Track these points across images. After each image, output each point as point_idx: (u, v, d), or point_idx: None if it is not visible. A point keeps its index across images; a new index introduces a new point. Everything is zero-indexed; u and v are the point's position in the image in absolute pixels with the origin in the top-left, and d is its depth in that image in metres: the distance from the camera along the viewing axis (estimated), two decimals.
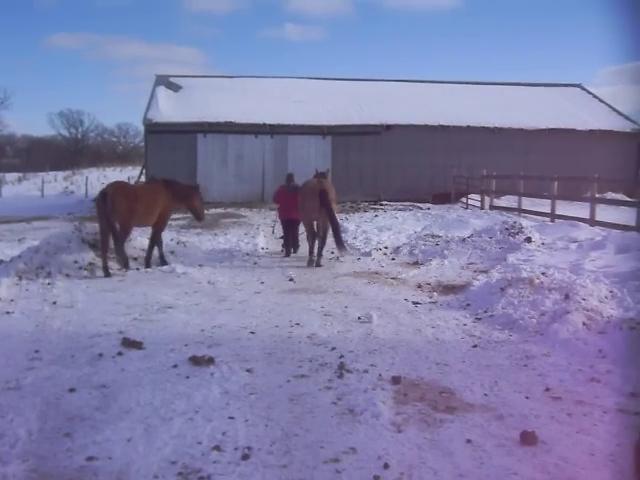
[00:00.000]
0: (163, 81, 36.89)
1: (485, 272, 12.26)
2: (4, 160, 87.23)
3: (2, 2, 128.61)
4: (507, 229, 15.21)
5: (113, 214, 12.76)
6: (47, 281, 11.71)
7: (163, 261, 13.74)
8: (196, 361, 6.74)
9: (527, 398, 5.89)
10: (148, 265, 13.43)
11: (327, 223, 14.33)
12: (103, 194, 12.94)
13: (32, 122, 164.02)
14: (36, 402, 5.70)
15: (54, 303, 9.95)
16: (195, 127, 32.54)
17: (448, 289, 11.19)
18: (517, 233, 14.93)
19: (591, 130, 34.61)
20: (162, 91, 35.29)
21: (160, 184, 14.41)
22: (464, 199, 30.46)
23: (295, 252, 15.79)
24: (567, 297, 8.76)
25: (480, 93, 38.27)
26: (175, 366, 6.68)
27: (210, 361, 6.75)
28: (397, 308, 9.63)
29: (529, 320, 8.41)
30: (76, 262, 12.65)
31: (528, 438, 4.89)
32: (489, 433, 5.11)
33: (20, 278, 11.84)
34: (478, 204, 28.33)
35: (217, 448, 4.77)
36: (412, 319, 8.96)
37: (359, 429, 5.16)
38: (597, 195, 21.23)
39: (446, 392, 6.06)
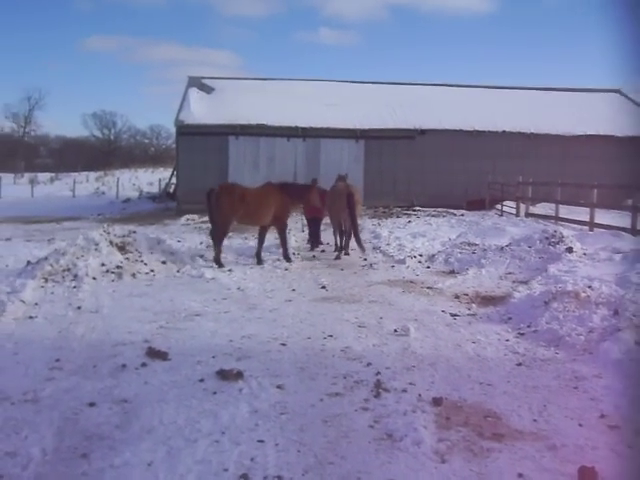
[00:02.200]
0: (195, 83, 36.67)
1: (525, 283, 11.79)
2: (37, 160, 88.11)
3: (39, 4, 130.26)
4: (547, 238, 14.64)
5: (216, 211, 13.98)
6: (73, 284, 11.41)
7: (286, 257, 14.73)
8: (224, 375, 6.36)
9: (581, 426, 5.41)
10: (287, 258, 14.66)
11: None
12: (210, 192, 14.13)
13: (66, 123, 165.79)
14: (53, 417, 5.37)
15: (79, 308, 9.64)
16: (227, 129, 32.23)
17: (487, 300, 10.72)
18: (557, 243, 14.37)
19: (630, 137, 33.73)
20: (194, 93, 35.06)
21: (273, 186, 15.28)
22: (499, 206, 29.79)
23: (317, 247, 17.33)
24: (616, 313, 8.26)
25: (516, 98, 37.55)
26: (202, 380, 6.31)
27: (239, 375, 6.37)
28: (434, 320, 9.19)
29: (576, 337, 7.91)
30: (103, 265, 12.37)
31: (587, 474, 4.42)
32: (542, 467, 4.65)
33: (46, 280, 11.56)
34: (513, 211, 27.67)
35: (244, 477, 4.38)
36: (451, 333, 8.51)
37: (399, 458, 4.73)
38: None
39: (492, 416, 5.61)
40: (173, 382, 6.27)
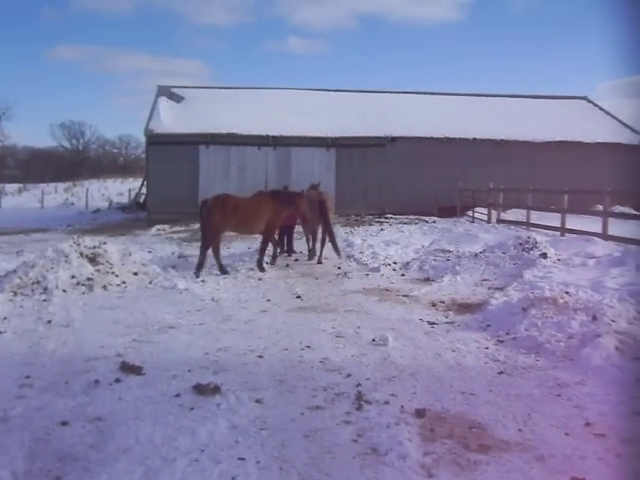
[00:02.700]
0: (165, 92, 36.40)
1: (501, 289, 11.75)
2: (5, 171, 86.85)
3: (5, 14, 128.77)
4: (521, 244, 14.63)
5: (207, 222, 14.27)
6: (43, 297, 11.14)
7: (260, 266, 14.61)
8: (201, 390, 6.17)
9: (567, 435, 5.32)
10: (261, 267, 14.54)
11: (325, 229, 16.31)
12: (203, 203, 14.46)
13: (33, 133, 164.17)
14: (24, 438, 5.14)
15: (49, 322, 9.39)
16: (197, 138, 32.00)
17: (464, 308, 10.64)
18: (531, 248, 14.37)
19: (598, 143, 34.08)
20: (164, 102, 34.78)
21: (265, 195, 15.77)
22: (470, 212, 29.87)
23: (290, 255, 17.41)
24: (595, 318, 8.24)
25: (486, 105, 37.78)
26: (178, 395, 6.11)
27: (216, 390, 6.18)
28: (412, 329, 9.08)
29: (556, 344, 7.84)
30: (74, 277, 12.09)
31: None
32: (531, 479, 4.54)
33: (15, 294, 11.29)
34: (485, 217, 27.73)
35: None
36: (430, 341, 8.40)
37: (385, 473, 4.59)
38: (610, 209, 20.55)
39: (476, 427, 5.49)
40: (148, 398, 6.07)
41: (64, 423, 5.45)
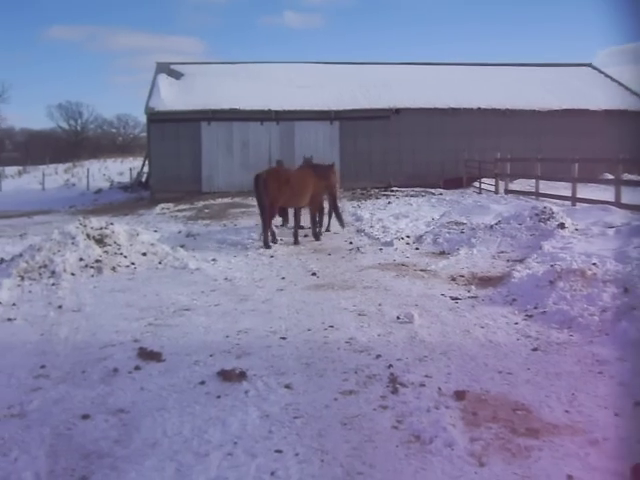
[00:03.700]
0: (164, 69, 35.87)
1: (520, 262, 11.41)
2: (3, 154, 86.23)
3: None
4: (537, 215, 14.26)
5: (264, 195, 14.44)
6: (51, 281, 10.83)
7: (316, 235, 15.68)
8: (226, 376, 5.87)
9: (617, 415, 5.02)
10: (317, 237, 15.61)
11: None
12: (257, 177, 14.71)
13: (31, 115, 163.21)
14: (44, 434, 4.84)
15: (60, 307, 9.07)
16: (199, 115, 31.51)
17: (485, 281, 10.32)
18: (548, 219, 14.01)
19: (604, 110, 33.57)
20: (163, 79, 34.27)
21: (309, 168, 16.18)
22: (477, 183, 29.51)
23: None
24: (626, 290, 7.91)
25: (490, 75, 37.20)
26: (202, 383, 5.81)
27: (242, 376, 5.88)
28: (436, 305, 8.76)
29: (589, 317, 7.52)
30: (82, 260, 11.77)
31: None
32: (590, 465, 4.24)
33: (22, 278, 10.98)
34: (492, 188, 27.37)
35: None
36: (456, 318, 8.09)
37: (433, 463, 4.29)
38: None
39: (520, 409, 5.19)
40: (172, 386, 5.76)
41: (85, 416, 5.14)
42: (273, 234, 15.05)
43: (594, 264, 9.15)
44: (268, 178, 14.63)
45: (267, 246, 14.17)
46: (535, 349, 6.77)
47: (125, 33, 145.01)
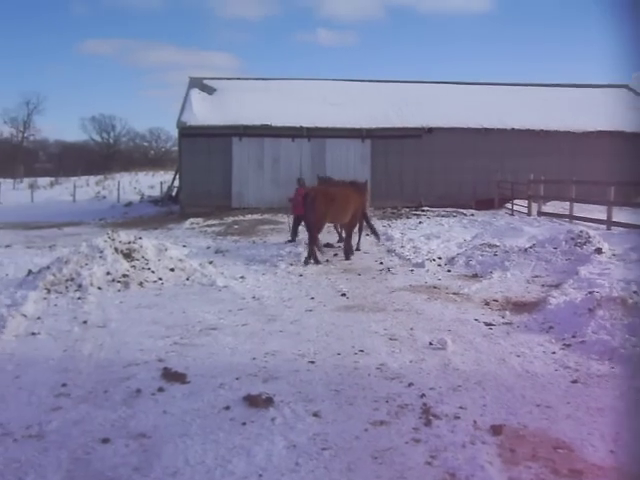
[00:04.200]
0: (197, 84, 35.94)
1: (556, 287, 11.10)
2: (37, 165, 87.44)
3: (35, 8, 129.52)
4: (573, 239, 13.93)
5: (312, 212, 14.70)
6: (77, 295, 10.72)
7: (347, 253, 15.56)
8: (252, 401, 5.64)
9: None
10: (348, 255, 15.49)
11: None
12: (305, 195, 15.10)
13: (64, 127, 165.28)
14: (61, 458, 4.65)
15: (85, 322, 8.93)
16: (230, 130, 31.44)
17: (519, 307, 10.01)
18: (584, 243, 13.68)
19: None
20: (196, 94, 34.30)
21: (350, 187, 16.55)
22: (509, 205, 29.08)
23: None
24: None
25: (524, 95, 36.77)
26: (227, 408, 5.59)
27: (269, 402, 5.66)
28: (469, 330, 8.48)
29: (632, 349, 7.19)
30: (109, 274, 11.65)
31: None
32: None
33: (48, 291, 10.89)
34: (525, 210, 26.95)
35: None
36: (490, 345, 7.80)
37: None
38: None
39: (561, 447, 4.90)
40: (195, 411, 5.55)
41: (105, 440, 4.94)
42: (314, 253, 14.88)
43: (635, 292, 8.82)
44: (317, 196, 14.80)
45: (316, 261, 14.55)
46: (575, 381, 6.47)
47: (158, 47, 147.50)
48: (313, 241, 14.81)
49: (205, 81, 36.72)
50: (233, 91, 35.22)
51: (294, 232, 18.47)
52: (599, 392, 6.15)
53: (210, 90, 35.37)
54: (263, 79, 38.76)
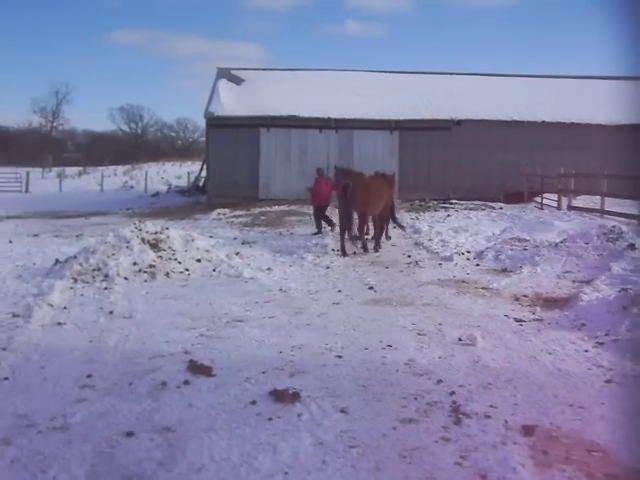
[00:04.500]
0: (225, 74, 35.88)
1: (587, 283, 10.88)
2: (65, 154, 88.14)
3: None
4: (605, 234, 13.67)
5: (352, 204, 14.68)
6: (104, 285, 10.72)
7: (377, 246, 15.66)
8: (278, 396, 5.56)
9: None
10: (377, 246, 15.64)
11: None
12: (345, 185, 14.76)
13: (93, 117, 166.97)
14: (85, 451, 4.59)
15: (111, 313, 8.90)
16: (258, 121, 31.37)
17: (550, 303, 9.83)
18: (617, 239, 13.41)
19: None
20: (224, 84, 34.25)
21: (382, 178, 16.59)
22: (538, 199, 28.72)
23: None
24: None
25: (554, 87, 36.25)
26: (253, 403, 5.51)
27: (295, 397, 5.56)
28: (499, 327, 8.33)
29: None
30: (135, 264, 11.64)
31: None
32: None
33: (75, 281, 10.92)
34: (554, 204, 26.61)
35: None
36: (521, 342, 7.65)
37: None
38: None
39: (596, 449, 4.75)
40: (221, 405, 5.47)
41: (129, 434, 4.88)
42: (343, 245, 14.87)
43: None
44: (357, 186, 14.71)
45: (344, 253, 14.48)
46: (609, 381, 6.29)
47: (186, 38, 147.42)
48: (345, 233, 14.89)
49: (233, 72, 36.65)
50: (261, 82, 35.13)
51: (318, 223, 18.57)
52: (634, 393, 5.99)
53: (238, 80, 35.31)
54: (290, 69, 38.60)
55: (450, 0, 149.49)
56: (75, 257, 11.75)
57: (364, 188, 14.87)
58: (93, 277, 11.08)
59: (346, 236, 14.97)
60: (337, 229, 16.70)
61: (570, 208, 25.18)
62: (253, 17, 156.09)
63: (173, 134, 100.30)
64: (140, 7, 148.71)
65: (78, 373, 6.29)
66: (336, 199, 16.74)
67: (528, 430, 5.01)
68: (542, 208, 27.15)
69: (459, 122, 32.26)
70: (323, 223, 18.72)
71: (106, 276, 11.12)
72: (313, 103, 32.08)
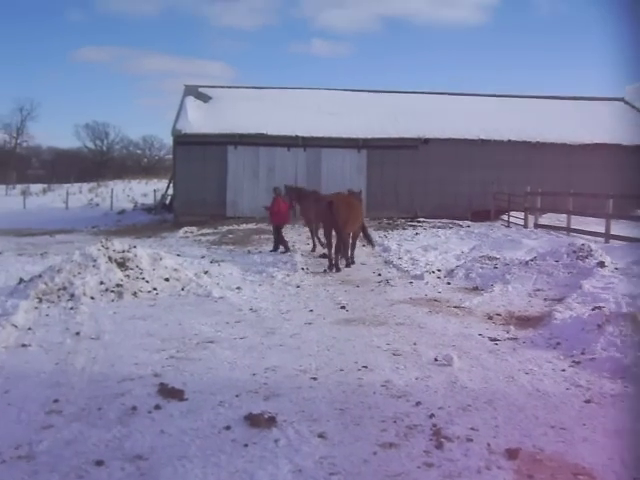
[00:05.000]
0: (192, 92, 35.70)
1: (559, 301, 10.88)
2: (29, 171, 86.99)
3: (30, 15, 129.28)
4: (574, 252, 13.69)
5: (337, 219, 14.83)
6: (70, 305, 10.44)
7: (348, 263, 15.80)
8: (254, 421, 5.37)
9: None
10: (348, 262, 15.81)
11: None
12: (330, 204, 14.94)
13: (58, 134, 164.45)
14: None
15: (77, 333, 8.64)
16: (225, 138, 31.21)
17: (523, 321, 9.78)
18: (586, 256, 13.44)
19: (637, 145, 32.83)
20: (191, 102, 34.05)
21: (354, 195, 17.33)
22: (505, 217, 28.90)
23: (286, 251, 18.09)
24: None
25: (520, 106, 36.66)
26: (228, 428, 5.31)
27: (271, 421, 5.38)
28: (474, 346, 8.23)
29: None
30: (102, 283, 11.37)
31: None
32: None
33: (40, 301, 10.61)
34: (521, 222, 26.77)
35: None
36: (497, 361, 7.55)
37: None
38: None
39: (581, 473, 4.64)
40: (194, 431, 5.26)
41: (99, 462, 4.66)
42: (335, 260, 15.17)
43: None
44: (340, 204, 15.05)
45: (337, 269, 14.87)
46: (588, 401, 6.21)
47: (153, 55, 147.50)
48: (337, 249, 15.16)
49: (200, 89, 36.51)
50: (228, 99, 35.03)
51: (281, 241, 18.62)
52: (614, 413, 5.90)
53: (205, 98, 35.15)
54: (258, 87, 38.57)
55: (417, 19, 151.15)
56: (40, 276, 11.45)
57: (347, 206, 15.24)
58: (59, 297, 10.79)
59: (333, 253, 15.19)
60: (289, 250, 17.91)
61: (537, 226, 25.34)
62: (220, 36, 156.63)
63: (139, 152, 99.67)
64: (107, 24, 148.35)
65: (44, 398, 6.04)
66: (313, 218, 18.16)
67: (512, 453, 4.89)
68: (509, 226, 27.31)
69: (426, 141, 32.41)
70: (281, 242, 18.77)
71: (72, 296, 10.83)
72: (281, 121, 32.03)
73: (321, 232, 17.32)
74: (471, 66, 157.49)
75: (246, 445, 4.98)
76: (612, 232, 20.04)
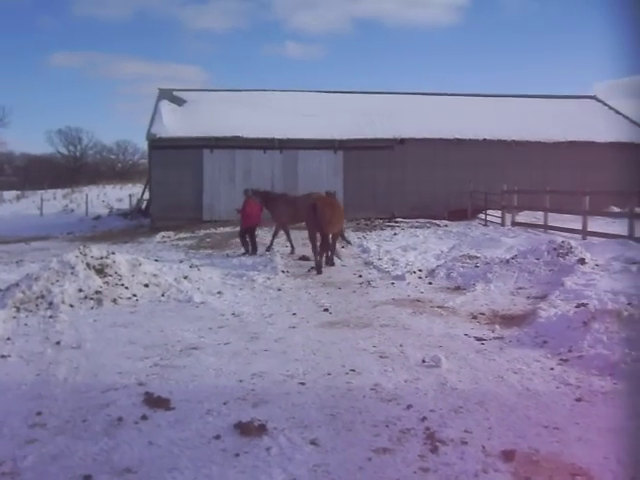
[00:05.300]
0: (167, 95, 35.41)
1: (542, 299, 10.89)
2: (2, 178, 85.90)
3: (2, 21, 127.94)
4: (555, 249, 13.71)
5: (321, 221, 15.01)
6: (49, 313, 10.24)
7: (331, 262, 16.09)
8: (244, 429, 5.25)
9: None
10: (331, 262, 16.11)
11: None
12: (314, 206, 15.21)
13: (30, 140, 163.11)
14: None
15: (58, 343, 8.46)
16: (201, 142, 30.99)
17: (508, 320, 9.75)
18: (567, 254, 13.48)
19: (610, 142, 33.09)
20: (166, 105, 33.79)
21: (333, 197, 17.52)
22: (482, 215, 28.97)
23: (255, 254, 18.34)
24: None
25: (495, 106, 36.82)
26: (218, 437, 5.18)
27: (261, 429, 5.26)
28: (461, 346, 8.17)
29: (634, 364, 6.93)
30: (81, 291, 11.19)
31: None
32: None
33: (18, 310, 10.42)
34: (498, 220, 26.86)
35: None
36: (485, 361, 7.50)
37: None
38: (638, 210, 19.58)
39: (579, 473, 4.58)
40: (183, 441, 5.13)
41: (87, 477, 4.51)
42: (321, 262, 15.30)
43: (629, 304, 8.60)
44: (325, 206, 15.40)
45: (319, 271, 14.83)
46: (579, 399, 6.17)
47: (126, 60, 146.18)
48: (317, 250, 15.19)
49: (175, 93, 36.25)
50: (203, 103, 34.82)
51: (251, 243, 18.74)
52: (606, 411, 5.85)
53: (180, 102, 34.91)
54: (233, 90, 38.36)
55: (389, 21, 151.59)
56: (17, 284, 11.24)
57: (330, 207, 15.57)
58: (37, 305, 10.59)
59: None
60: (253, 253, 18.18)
61: (514, 224, 25.44)
62: (193, 39, 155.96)
63: (113, 157, 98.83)
64: (80, 29, 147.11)
65: (26, 410, 5.87)
66: (286, 220, 18.77)
67: (508, 455, 4.82)
68: (486, 224, 27.38)
69: (402, 141, 32.43)
70: (252, 242, 18.93)
71: (51, 304, 10.64)
72: (257, 124, 31.88)
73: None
74: (444, 67, 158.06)
75: (237, 455, 4.86)
76: (589, 229, 20.09)
